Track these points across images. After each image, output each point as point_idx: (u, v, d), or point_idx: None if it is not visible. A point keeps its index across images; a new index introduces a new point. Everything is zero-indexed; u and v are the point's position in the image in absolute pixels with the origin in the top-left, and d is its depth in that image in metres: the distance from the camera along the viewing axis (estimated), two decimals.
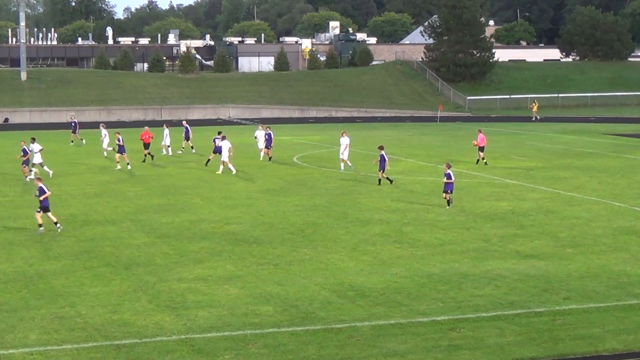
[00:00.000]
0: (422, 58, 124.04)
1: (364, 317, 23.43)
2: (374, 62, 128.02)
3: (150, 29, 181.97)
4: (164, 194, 44.41)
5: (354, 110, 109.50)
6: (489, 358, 20.44)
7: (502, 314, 23.72)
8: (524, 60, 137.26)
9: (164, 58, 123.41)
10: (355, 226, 35.90)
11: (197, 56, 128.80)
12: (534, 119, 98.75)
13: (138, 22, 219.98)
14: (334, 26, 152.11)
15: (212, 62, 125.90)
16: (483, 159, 56.18)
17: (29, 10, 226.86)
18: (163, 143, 62.10)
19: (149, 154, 57.73)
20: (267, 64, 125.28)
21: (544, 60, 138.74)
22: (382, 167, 46.41)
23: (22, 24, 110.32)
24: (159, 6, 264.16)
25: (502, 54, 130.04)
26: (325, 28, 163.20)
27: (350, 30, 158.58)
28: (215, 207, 40.55)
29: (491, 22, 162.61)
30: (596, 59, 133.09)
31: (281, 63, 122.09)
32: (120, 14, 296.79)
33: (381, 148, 46.74)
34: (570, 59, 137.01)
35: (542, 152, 63.38)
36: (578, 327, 22.69)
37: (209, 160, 54.94)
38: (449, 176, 39.42)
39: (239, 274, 27.94)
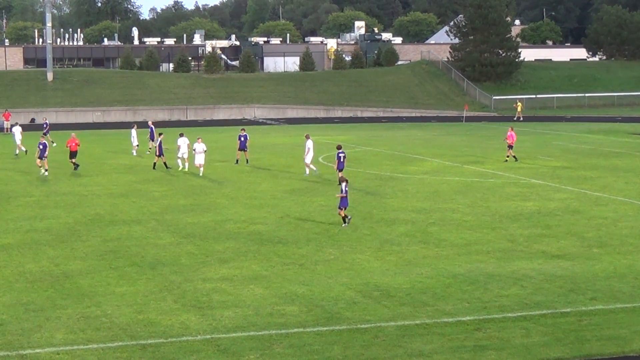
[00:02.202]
0: (447, 58, 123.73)
1: (389, 317, 23.40)
2: (399, 62, 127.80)
3: (176, 29, 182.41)
4: (189, 194, 44.51)
5: (379, 110, 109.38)
6: (515, 359, 20.37)
7: (528, 314, 23.63)
8: (550, 59, 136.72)
9: (190, 58, 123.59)
10: (380, 226, 35.86)
11: (223, 56, 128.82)
12: (515, 118, 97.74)
13: (163, 22, 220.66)
14: (360, 26, 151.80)
15: (238, 62, 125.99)
16: (513, 156, 56.33)
17: (55, 11, 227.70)
18: (135, 144, 61.92)
19: (74, 163, 53.28)
20: (292, 64, 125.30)
21: (570, 59, 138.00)
22: (340, 167, 46.02)
23: (49, 24, 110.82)
24: (185, 6, 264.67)
25: (528, 54, 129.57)
26: (350, 28, 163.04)
27: (376, 30, 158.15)
28: (240, 207, 40.60)
29: (517, 22, 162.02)
30: (623, 59, 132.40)
31: (306, 63, 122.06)
32: (146, 15, 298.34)
33: (339, 148, 46.61)
34: (596, 59, 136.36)
35: (568, 152, 63.08)
36: (604, 327, 22.58)
37: (155, 163, 54.26)
38: (341, 190, 35.67)
39: (265, 274, 27.95)
